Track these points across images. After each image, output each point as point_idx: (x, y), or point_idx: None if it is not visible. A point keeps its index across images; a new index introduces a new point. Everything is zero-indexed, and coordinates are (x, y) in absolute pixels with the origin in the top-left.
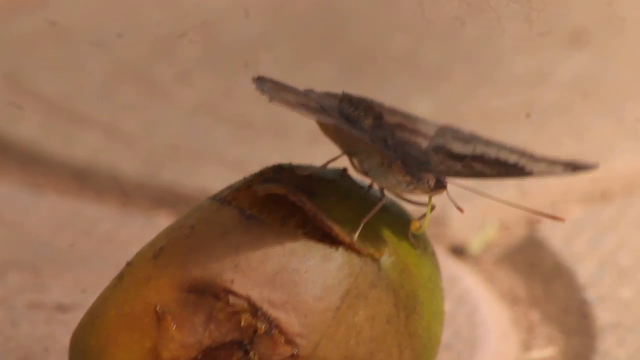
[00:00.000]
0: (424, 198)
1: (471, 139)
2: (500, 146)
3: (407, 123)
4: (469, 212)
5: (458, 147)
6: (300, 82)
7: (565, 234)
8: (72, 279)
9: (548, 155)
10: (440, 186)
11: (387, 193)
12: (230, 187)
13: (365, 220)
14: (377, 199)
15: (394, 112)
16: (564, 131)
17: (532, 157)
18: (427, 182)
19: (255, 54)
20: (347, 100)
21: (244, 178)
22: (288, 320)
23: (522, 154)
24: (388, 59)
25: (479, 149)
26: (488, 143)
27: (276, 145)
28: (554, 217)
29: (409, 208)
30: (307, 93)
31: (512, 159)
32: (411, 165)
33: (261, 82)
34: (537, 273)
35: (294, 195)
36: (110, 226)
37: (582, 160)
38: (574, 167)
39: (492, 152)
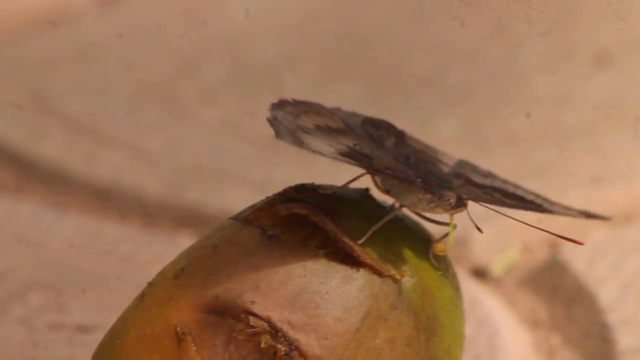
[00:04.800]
0: (445, 217)
1: (488, 175)
2: (517, 186)
3: (427, 151)
4: (491, 234)
5: (477, 179)
6: (324, 102)
7: (588, 256)
8: (93, 300)
9: (562, 202)
10: (461, 204)
11: (408, 212)
12: (252, 206)
13: (375, 227)
14: (398, 219)
15: (416, 140)
16: (586, 152)
17: (547, 201)
18: (448, 200)
19: (279, 74)
20: (369, 122)
21: (266, 198)
22: (308, 342)
23: (537, 196)
24: (412, 79)
25: (497, 184)
26: (505, 182)
27: (299, 165)
28: (574, 241)
29: (431, 229)
30: (334, 111)
31: (529, 197)
32: (432, 183)
33: (280, 106)
34: (559, 296)
35: (316, 215)
36: (133, 246)
37: (594, 212)
38: (587, 215)
39: (509, 188)
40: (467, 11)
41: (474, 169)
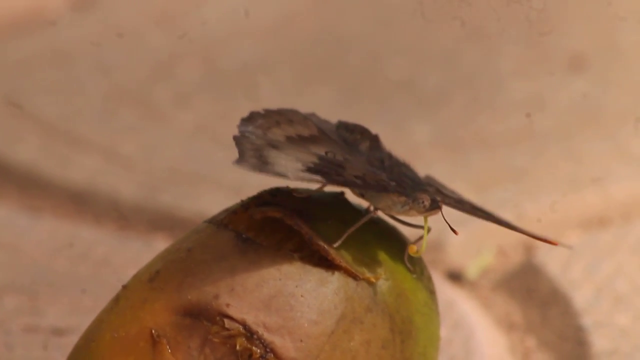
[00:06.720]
0: (420, 220)
1: (454, 193)
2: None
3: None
4: (466, 237)
5: (446, 192)
6: (299, 106)
7: (563, 260)
8: (68, 303)
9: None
10: (435, 206)
11: (383, 216)
12: (227, 210)
13: (350, 231)
14: (373, 222)
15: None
16: (562, 156)
17: (510, 223)
18: (422, 202)
19: (254, 78)
20: (344, 126)
21: (241, 201)
22: (283, 344)
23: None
24: (387, 83)
25: (465, 199)
26: (471, 201)
27: None
28: (548, 241)
29: (406, 232)
30: (308, 116)
31: (495, 215)
32: (406, 186)
33: (250, 119)
34: (534, 299)
35: (291, 218)
36: (108, 249)
37: (548, 237)
38: (545, 240)
39: (477, 205)
40: (468, 11)
41: (441, 186)
